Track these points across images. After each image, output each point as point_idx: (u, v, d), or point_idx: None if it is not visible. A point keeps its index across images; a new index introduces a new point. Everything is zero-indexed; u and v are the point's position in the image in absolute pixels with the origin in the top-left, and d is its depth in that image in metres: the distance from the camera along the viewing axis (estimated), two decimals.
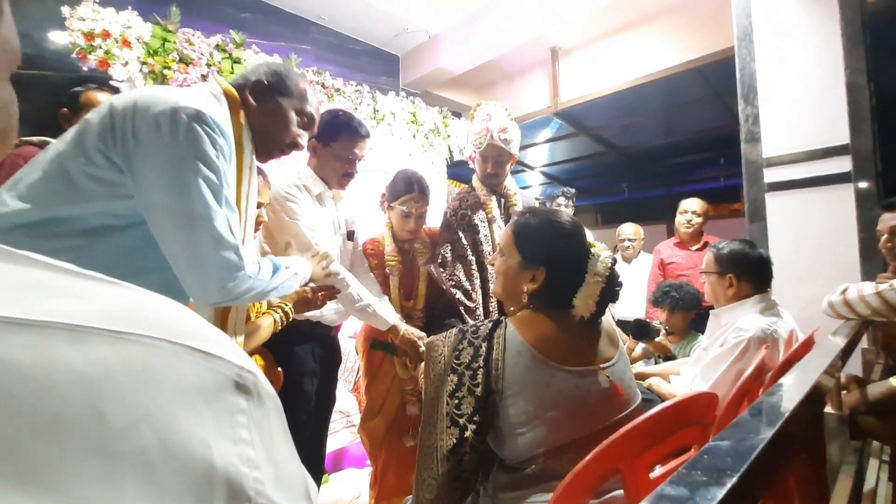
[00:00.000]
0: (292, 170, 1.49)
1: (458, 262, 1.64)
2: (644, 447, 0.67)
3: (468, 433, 0.80)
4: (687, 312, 1.98)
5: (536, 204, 1.92)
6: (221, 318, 0.98)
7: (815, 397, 0.67)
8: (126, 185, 0.79)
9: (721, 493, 0.35)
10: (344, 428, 2.35)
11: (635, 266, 3.15)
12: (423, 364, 1.05)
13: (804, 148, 2.09)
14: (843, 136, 2.00)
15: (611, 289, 0.93)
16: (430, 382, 0.89)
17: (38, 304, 0.19)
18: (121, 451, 0.18)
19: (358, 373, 2.45)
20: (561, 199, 3.31)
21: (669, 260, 2.83)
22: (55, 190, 0.78)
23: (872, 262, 1.88)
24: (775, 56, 2.18)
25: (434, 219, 1.85)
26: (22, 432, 0.16)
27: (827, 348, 0.97)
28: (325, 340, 1.56)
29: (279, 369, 1.32)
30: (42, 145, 1.54)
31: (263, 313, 1.24)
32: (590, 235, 1.04)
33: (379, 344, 1.64)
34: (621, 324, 2.48)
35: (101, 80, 1.92)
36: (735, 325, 1.35)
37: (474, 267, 1.63)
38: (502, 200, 1.74)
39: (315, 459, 1.53)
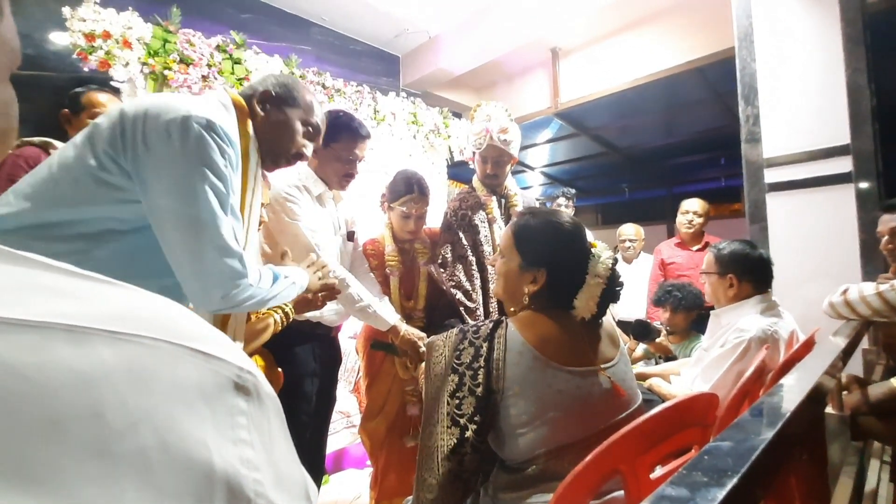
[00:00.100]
0: (292, 170, 1.49)
1: (458, 262, 1.64)
2: (645, 448, 0.67)
3: (469, 433, 0.80)
4: (689, 312, 1.98)
5: (537, 204, 1.92)
6: (221, 323, 0.98)
7: (816, 398, 0.67)
8: (132, 189, 0.80)
9: (722, 493, 0.35)
10: (344, 428, 2.35)
11: (636, 266, 3.15)
12: (423, 364, 1.04)
13: (805, 148, 2.09)
14: (843, 137, 1.99)
15: (612, 289, 0.93)
16: (431, 383, 0.89)
17: (37, 305, 0.19)
18: (120, 451, 0.18)
19: (358, 373, 2.45)
20: (561, 200, 3.31)
21: (670, 260, 2.83)
22: (60, 192, 0.78)
23: (873, 262, 1.88)
24: (776, 56, 2.17)
25: (434, 219, 1.85)
26: (22, 433, 0.16)
27: (828, 349, 0.97)
28: (325, 341, 1.56)
29: (279, 370, 1.32)
30: (42, 145, 1.54)
31: (263, 314, 1.24)
32: (590, 236, 1.03)
33: (379, 344, 1.63)
34: (622, 324, 2.48)
35: (102, 81, 1.91)
36: (736, 325, 1.35)
37: (475, 267, 1.63)
38: (503, 201, 1.74)
39: (315, 460, 1.53)
